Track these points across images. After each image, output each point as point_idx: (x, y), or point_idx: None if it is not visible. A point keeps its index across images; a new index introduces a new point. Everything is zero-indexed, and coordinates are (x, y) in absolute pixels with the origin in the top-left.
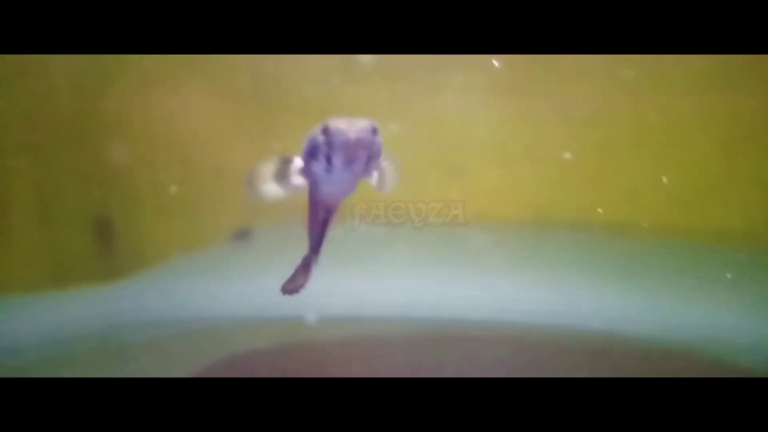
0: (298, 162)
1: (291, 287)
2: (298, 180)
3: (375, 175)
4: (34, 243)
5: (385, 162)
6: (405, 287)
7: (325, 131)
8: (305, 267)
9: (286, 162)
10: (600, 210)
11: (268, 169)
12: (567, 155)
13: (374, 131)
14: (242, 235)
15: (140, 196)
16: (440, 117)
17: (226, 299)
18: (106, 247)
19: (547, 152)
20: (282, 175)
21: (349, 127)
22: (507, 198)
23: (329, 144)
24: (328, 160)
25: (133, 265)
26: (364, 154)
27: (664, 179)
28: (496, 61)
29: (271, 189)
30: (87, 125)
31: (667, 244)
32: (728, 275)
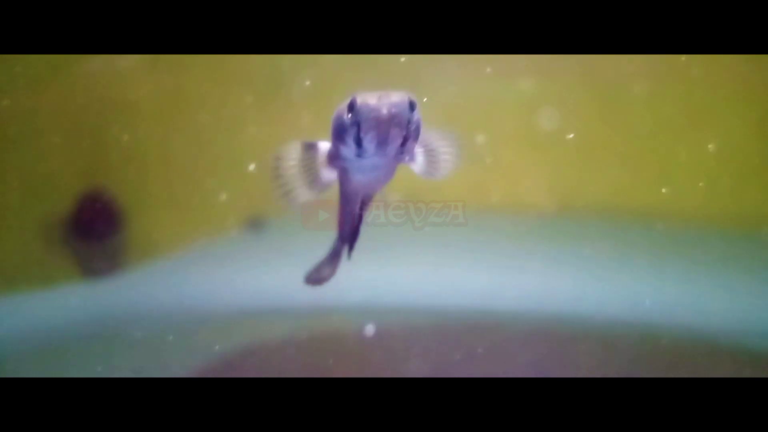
0: (323, 147)
1: (316, 278)
2: (327, 173)
3: (419, 159)
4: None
5: (436, 141)
6: (428, 276)
7: (352, 108)
8: (333, 259)
9: (310, 148)
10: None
11: (291, 159)
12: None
13: (411, 106)
14: (255, 225)
15: (151, 186)
16: (462, 103)
17: (239, 290)
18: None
19: (574, 137)
20: (308, 165)
21: (381, 101)
22: (533, 184)
23: (357, 123)
24: (358, 142)
25: (144, 255)
26: (398, 134)
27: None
28: None
29: (301, 189)
30: (99, 113)
31: (700, 231)
32: None
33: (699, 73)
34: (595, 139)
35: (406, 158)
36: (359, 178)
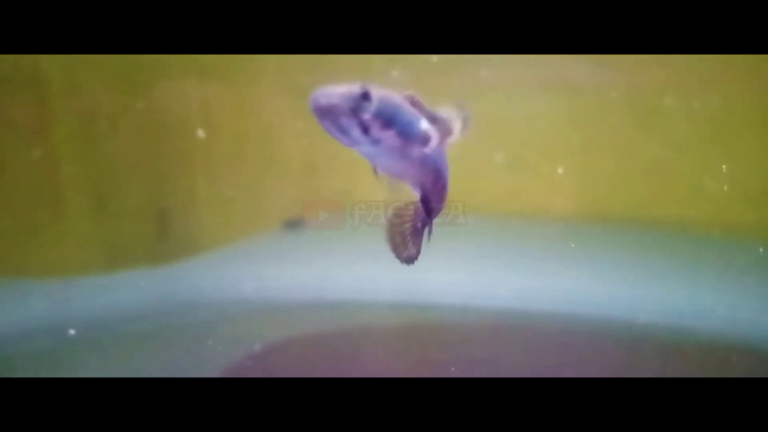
0: None
1: (406, 256)
2: None
3: (433, 142)
4: (90, 228)
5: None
6: (461, 277)
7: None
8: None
9: None
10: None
11: None
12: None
13: (363, 96)
14: (294, 224)
15: (196, 186)
16: (496, 113)
17: (279, 284)
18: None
19: (606, 147)
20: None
21: (325, 91)
22: (566, 192)
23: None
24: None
25: (188, 249)
26: (346, 124)
27: (723, 167)
28: None
29: None
30: (145, 119)
31: (732, 240)
32: None
33: (730, 84)
34: (628, 150)
35: (402, 143)
36: (378, 163)
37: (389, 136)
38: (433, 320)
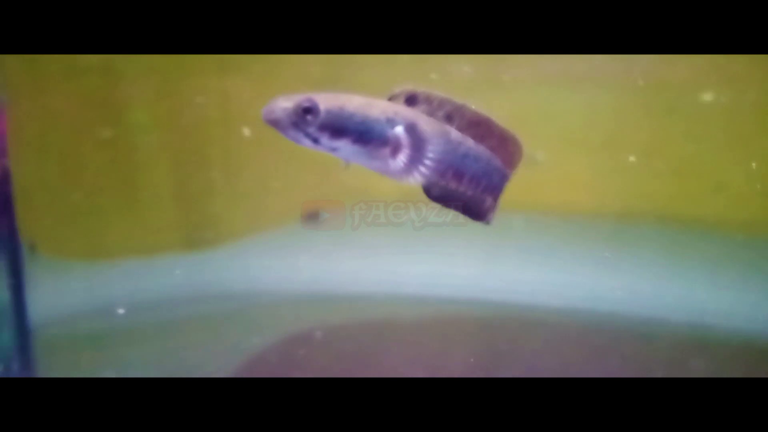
0: None
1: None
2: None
3: (399, 158)
4: (130, 214)
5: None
6: (480, 272)
7: None
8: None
9: None
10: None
11: None
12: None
13: (305, 110)
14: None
15: (215, 177)
16: (517, 109)
17: (298, 276)
18: None
19: (630, 143)
20: None
21: (270, 106)
22: (588, 189)
23: None
24: None
25: (216, 240)
26: (295, 135)
27: (753, 164)
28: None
29: None
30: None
31: (755, 239)
32: None
33: (757, 80)
34: (651, 146)
35: (338, 152)
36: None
37: (344, 144)
38: (454, 314)
